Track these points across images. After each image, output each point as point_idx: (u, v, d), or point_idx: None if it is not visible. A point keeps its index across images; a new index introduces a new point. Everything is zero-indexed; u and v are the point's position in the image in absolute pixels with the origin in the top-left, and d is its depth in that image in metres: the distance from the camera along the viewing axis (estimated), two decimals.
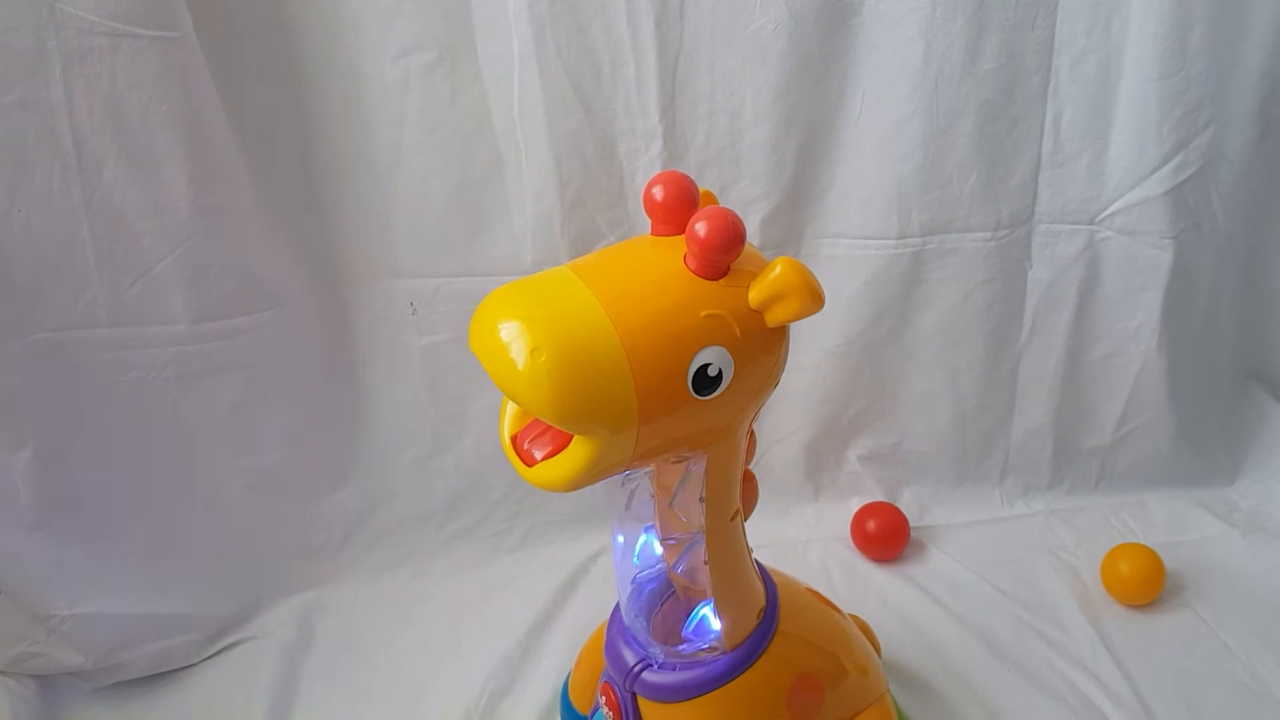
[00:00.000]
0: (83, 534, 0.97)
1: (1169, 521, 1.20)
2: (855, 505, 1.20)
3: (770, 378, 0.61)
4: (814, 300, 0.55)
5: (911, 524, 1.18)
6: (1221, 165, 1.07)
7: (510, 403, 0.62)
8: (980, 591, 1.09)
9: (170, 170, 0.91)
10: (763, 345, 0.59)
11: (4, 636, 0.95)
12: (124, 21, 0.85)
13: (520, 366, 0.52)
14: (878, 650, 0.92)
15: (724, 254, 0.56)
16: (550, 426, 0.58)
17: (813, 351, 1.17)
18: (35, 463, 0.93)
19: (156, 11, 0.86)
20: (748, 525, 0.71)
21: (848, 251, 1.11)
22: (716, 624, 0.71)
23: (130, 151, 0.89)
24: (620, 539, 0.73)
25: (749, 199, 1.07)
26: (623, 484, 0.70)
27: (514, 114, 1.01)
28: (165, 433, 1.00)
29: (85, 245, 0.90)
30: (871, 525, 1.15)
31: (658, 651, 0.72)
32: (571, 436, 0.56)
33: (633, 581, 0.74)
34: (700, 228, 0.55)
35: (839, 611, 0.85)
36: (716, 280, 0.57)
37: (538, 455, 0.59)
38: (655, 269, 0.58)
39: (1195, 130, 1.05)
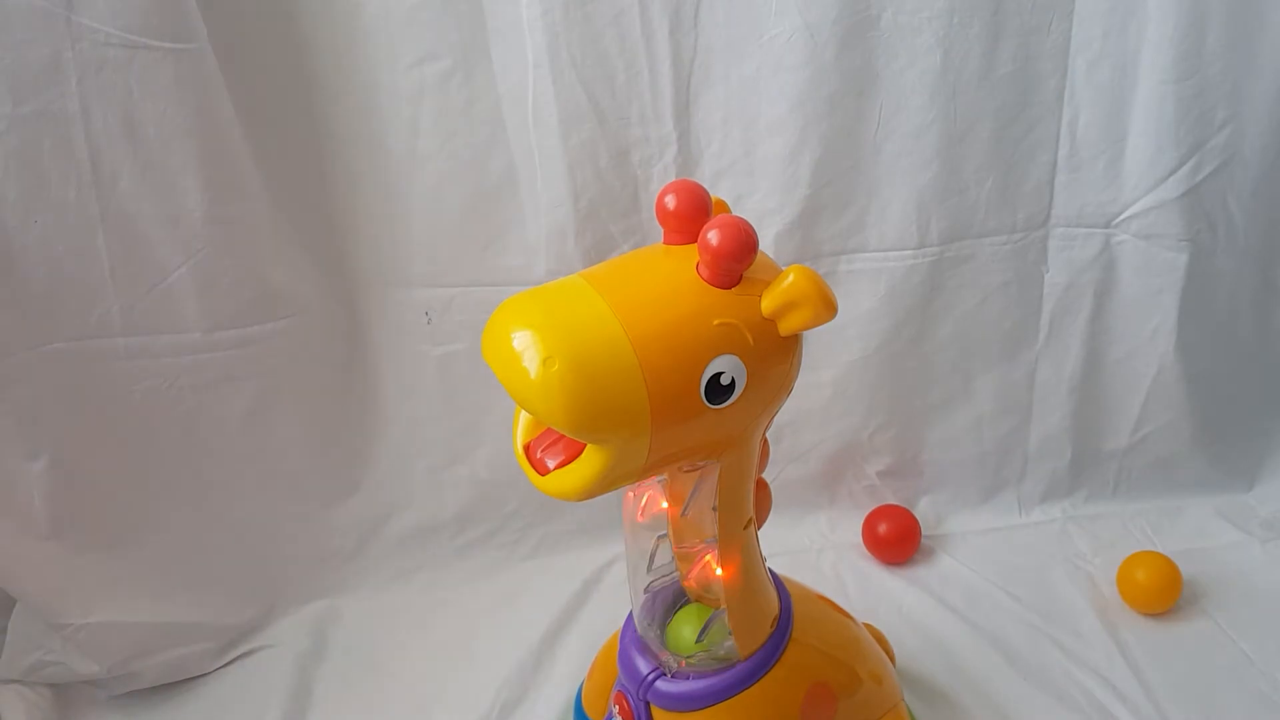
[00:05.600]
0: (97, 543, 0.98)
1: (1186, 529, 1.19)
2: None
3: (783, 386, 0.61)
4: (827, 309, 0.55)
5: (928, 532, 1.18)
6: (1237, 167, 1.07)
7: (523, 412, 0.61)
8: (996, 600, 1.08)
9: (185, 180, 0.91)
10: (776, 354, 0.59)
11: (20, 645, 0.96)
12: (139, 33, 0.85)
13: (533, 375, 0.52)
14: (892, 659, 0.91)
15: (736, 262, 0.56)
16: (563, 435, 0.58)
17: (833, 366, 1.16)
18: (50, 472, 0.93)
19: (172, 23, 0.87)
20: (761, 533, 0.71)
21: (866, 265, 1.10)
22: (730, 633, 0.70)
23: (145, 162, 0.89)
24: (633, 548, 0.73)
25: (763, 212, 1.06)
26: (635, 493, 0.70)
27: (528, 123, 1.01)
28: (179, 442, 1.00)
29: (100, 255, 0.90)
30: (883, 528, 1.15)
31: (671, 660, 0.72)
32: (584, 445, 0.56)
33: (646, 590, 0.74)
34: (713, 236, 0.55)
35: (853, 620, 0.85)
36: (729, 289, 0.57)
37: (550, 464, 0.59)
38: (668, 277, 0.58)
39: (1211, 132, 1.04)
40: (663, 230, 0.61)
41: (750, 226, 0.56)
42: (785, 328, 0.57)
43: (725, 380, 0.56)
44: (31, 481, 0.93)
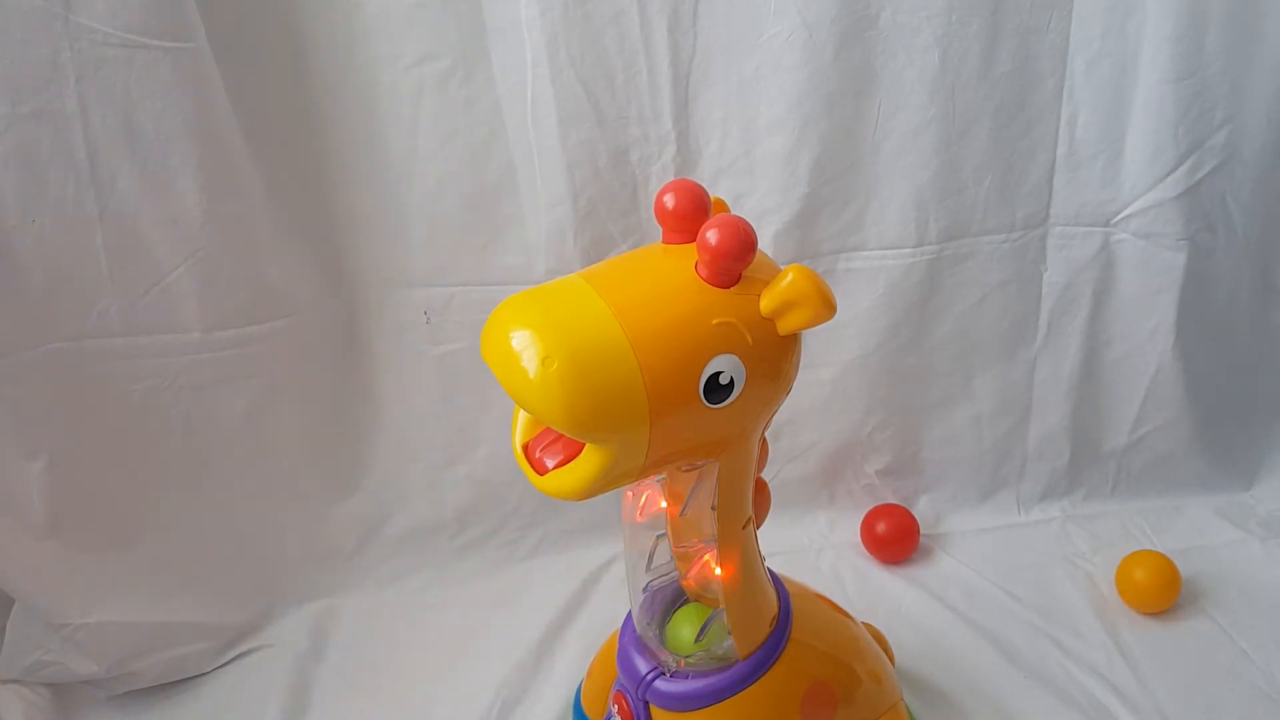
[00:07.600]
0: (96, 543, 0.98)
1: (1185, 528, 1.19)
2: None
3: (782, 385, 0.61)
4: (826, 308, 0.55)
5: (927, 531, 1.18)
6: (1236, 167, 1.07)
7: (522, 411, 0.61)
8: (995, 599, 1.08)
9: (183, 180, 0.91)
10: (775, 353, 0.58)
11: (19, 645, 0.96)
12: (138, 33, 0.85)
13: (532, 375, 0.52)
14: (891, 658, 0.91)
15: (735, 261, 0.56)
16: (562, 435, 0.58)
17: (831, 365, 1.16)
18: (49, 472, 0.93)
19: (170, 23, 0.87)
20: (760, 533, 0.71)
21: (865, 264, 1.10)
22: (729, 632, 0.70)
23: (143, 161, 0.89)
24: (632, 547, 0.73)
25: (762, 211, 1.06)
26: (634, 492, 0.70)
27: (527, 122, 1.01)
28: (178, 441, 1.01)
29: (99, 255, 0.90)
30: (882, 527, 1.15)
31: (670, 660, 0.72)
32: (583, 445, 0.56)
33: (645, 590, 0.74)
34: (711, 235, 0.55)
35: (852, 619, 0.85)
36: (728, 288, 0.57)
37: (549, 464, 0.59)
38: (667, 277, 0.58)
39: (1210, 131, 1.04)
40: (661, 229, 0.61)
41: (749, 226, 0.55)
42: (784, 327, 0.57)
43: (724, 379, 0.56)
44: (31, 481, 0.93)
